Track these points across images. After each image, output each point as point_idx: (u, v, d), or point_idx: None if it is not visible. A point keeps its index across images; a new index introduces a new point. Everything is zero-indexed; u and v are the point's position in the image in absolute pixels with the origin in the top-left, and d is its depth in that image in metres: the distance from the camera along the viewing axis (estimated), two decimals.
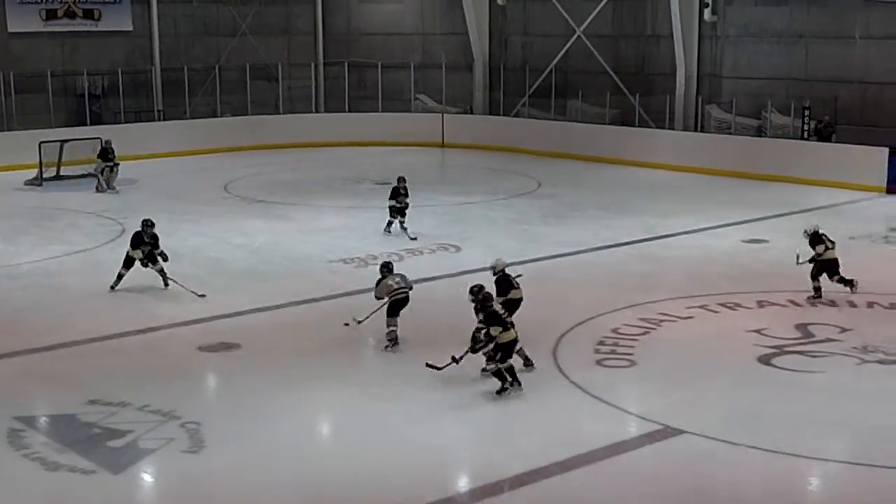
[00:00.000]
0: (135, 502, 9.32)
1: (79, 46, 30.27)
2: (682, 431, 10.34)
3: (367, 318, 13.19)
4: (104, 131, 26.82)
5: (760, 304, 14.66)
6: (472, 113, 32.67)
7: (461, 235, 19.17)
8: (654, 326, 13.66)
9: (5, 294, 15.44)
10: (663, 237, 19.10)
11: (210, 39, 32.60)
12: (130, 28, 31.07)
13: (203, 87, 31.80)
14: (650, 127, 28.31)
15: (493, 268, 13.07)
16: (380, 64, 32.67)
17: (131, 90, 30.77)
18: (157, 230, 15.68)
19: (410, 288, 13.11)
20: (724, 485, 9.41)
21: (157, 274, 15.49)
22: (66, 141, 25.44)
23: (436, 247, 18.29)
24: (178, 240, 18.81)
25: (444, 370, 11.54)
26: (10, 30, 29.13)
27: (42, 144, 24.98)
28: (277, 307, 14.54)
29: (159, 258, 15.39)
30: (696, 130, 27.71)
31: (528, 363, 11.99)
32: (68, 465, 9.57)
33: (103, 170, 24.16)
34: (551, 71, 30.66)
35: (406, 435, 10.40)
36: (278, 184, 25.34)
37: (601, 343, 12.94)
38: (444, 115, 32.05)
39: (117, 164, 24.43)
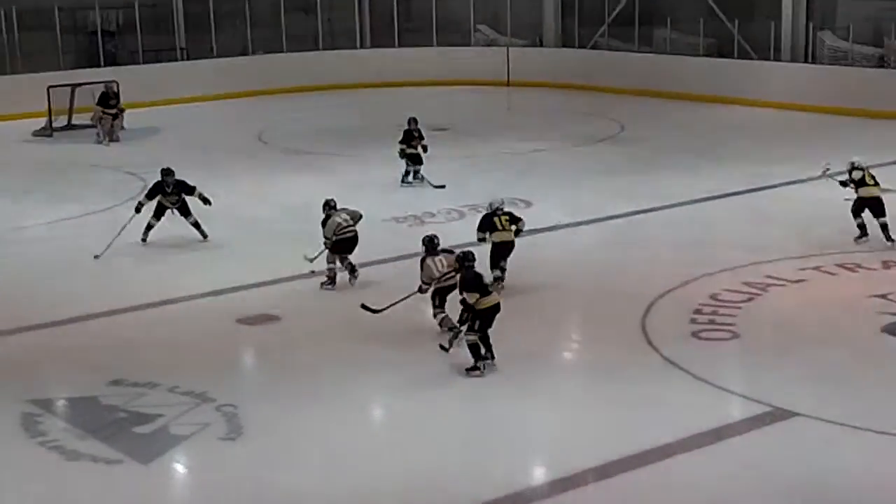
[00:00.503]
0: (167, 496, 9.49)
1: None
2: (793, 413, 10.28)
3: (317, 256, 13.90)
4: (120, 73, 27.12)
5: (886, 264, 14.47)
6: (541, 45, 32.48)
7: (531, 189, 19.10)
8: (759, 292, 13.54)
9: (13, 260, 15.73)
10: (769, 188, 18.90)
11: None
12: None
13: (231, 22, 31.91)
14: (752, 58, 27.96)
15: (490, 205, 13.76)
16: None
17: (150, 26, 30.99)
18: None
19: (355, 221, 14.02)
20: (842, 474, 9.34)
21: (190, 227, 16.02)
22: (78, 85, 25.76)
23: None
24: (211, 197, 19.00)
25: (381, 313, 12.21)
26: None
27: (51, 89, 25.31)
28: (321, 273, 14.62)
29: (198, 201, 16.01)
30: (806, 62, 27.34)
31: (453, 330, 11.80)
32: (91, 455, 9.76)
33: (101, 118, 24.39)
34: None
35: (470, 422, 10.45)
36: (319, 131, 25.45)
37: (697, 312, 12.87)
38: (509, 48, 31.89)
39: (121, 112, 24.65)
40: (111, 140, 24.25)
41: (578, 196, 18.69)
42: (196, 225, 16.17)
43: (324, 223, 14.04)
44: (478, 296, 11.28)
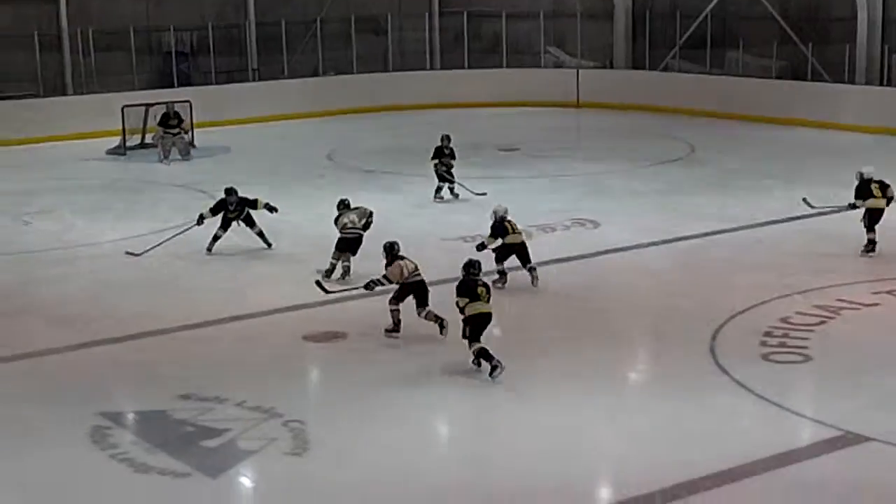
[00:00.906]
0: None
1: None
2: (867, 438, 10.10)
3: (336, 291, 13.90)
4: (193, 93, 27.49)
5: None
6: (612, 67, 32.42)
7: (600, 209, 19.07)
8: (831, 315, 13.36)
9: (87, 276, 15.96)
10: (841, 210, 18.62)
11: None
12: None
13: (303, 43, 32.26)
14: (826, 81, 27.69)
15: (494, 213, 14.94)
16: (504, 13, 32.64)
17: (223, 47, 31.43)
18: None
19: (365, 228, 15.32)
20: None
21: (255, 237, 16.60)
22: (152, 105, 26.13)
23: (570, 222, 18.24)
24: (278, 216, 19.10)
25: (331, 294, 13.48)
26: None
27: (125, 109, 25.73)
28: (386, 291, 14.66)
29: (264, 210, 16.75)
30: (881, 84, 27.06)
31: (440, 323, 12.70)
32: (159, 468, 9.85)
33: (162, 137, 24.71)
34: (707, 17, 30.18)
35: (542, 435, 10.40)
36: (388, 151, 25.57)
37: (768, 334, 12.72)
38: (580, 70, 31.87)
39: (183, 133, 24.91)
40: (169, 159, 24.47)
41: (647, 217, 18.59)
42: (261, 234, 16.80)
43: (336, 220, 15.28)
44: (467, 300, 11.82)
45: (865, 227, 15.96)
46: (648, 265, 16.01)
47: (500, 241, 14.78)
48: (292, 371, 12.28)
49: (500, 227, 14.82)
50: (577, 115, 31.01)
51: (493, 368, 11.51)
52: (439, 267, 15.32)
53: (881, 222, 15.93)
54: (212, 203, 17.36)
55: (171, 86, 29.47)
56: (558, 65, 32.89)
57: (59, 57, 29.50)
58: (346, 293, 13.94)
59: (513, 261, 14.79)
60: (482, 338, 11.78)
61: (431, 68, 33.89)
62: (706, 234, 17.44)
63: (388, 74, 32.66)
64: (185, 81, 30.16)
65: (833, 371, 11.81)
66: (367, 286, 13.17)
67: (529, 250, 14.85)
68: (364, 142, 26.95)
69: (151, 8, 30.88)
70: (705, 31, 30.10)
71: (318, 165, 23.88)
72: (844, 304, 13.70)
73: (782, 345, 12.43)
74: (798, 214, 18.35)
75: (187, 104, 25.74)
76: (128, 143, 25.72)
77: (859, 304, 13.76)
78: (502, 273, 14.79)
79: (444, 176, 19.95)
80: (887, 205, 16.03)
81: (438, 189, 20.02)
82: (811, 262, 15.59)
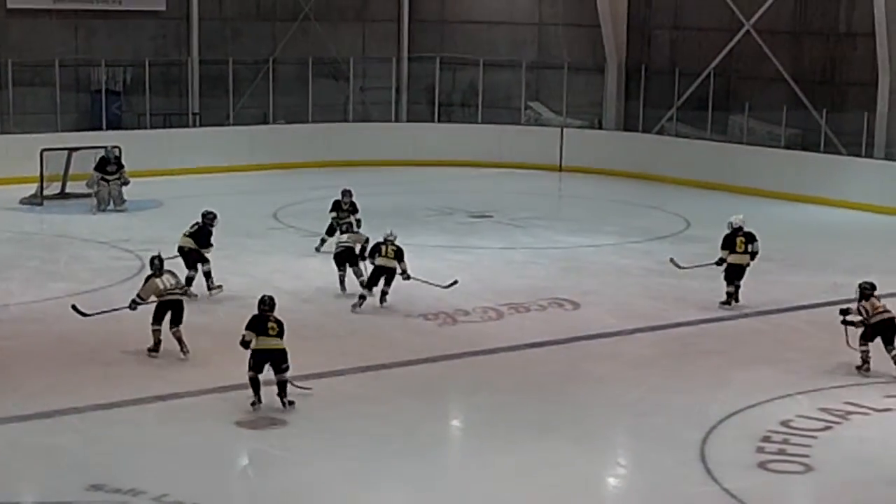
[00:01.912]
0: None
1: (96, 30, 31.16)
2: None
3: (98, 313, 15.68)
4: (124, 137, 27.53)
5: None
6: (600, 128, 32.71)
7: (581, 289, 19.15)
8: (838, 420, 13.43)
9: None
10: (853, 300, 18.77)
11: (263, 25, 33.29)
12: (162, 7, 31.88)
13: (252, 86, 32.42)
14: (840, 153, 28.03)
15: (385, 236, 17.83)
16: (482, 61, 32.97)
17: (160, 87, 31.53)
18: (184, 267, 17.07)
19: (184, 292, 15.90)
20: None
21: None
22: (76, 149, 26.16)
23: (547, 302, 18.29)
24: (217, 281, 19.13)
25: (90, 317, 15.21)
26: (9, 5, 29.98)
27: (45, 152, 25.73)
28: (337, 373, 14.68)
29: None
30: None
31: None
32: None
33: (98, 184, 24.72)
34: (709, 76, 30.57)
35: None
36: None
37: (766, 440, 12.76)
38: (564, 129, 32.14)
39: (122, 180, 24.90)
40: (108, 209, 24.50)
41: (634, 299, 18.68)
42: (208, 274, 18.20)
43: (146, 280, 15.73)
44: (254, 335, 13.48)
45: (725, 279, 18.05)
46: (633, 354, 16.06)
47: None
48: (223, 461, 12.20)
49: (377, 247, 17.72)
50: (560, 179, 31.18)
51: (253, 403, 13.26)
52: (400, 347, 15.42)
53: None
54: (140, 265, 17.31)
55: (100, 128, 29.52)
56: (540, 122, 33.15)
57: None
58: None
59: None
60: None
61: (397, 120, 34.13)
62: (699, 322, 17.52)
63: (348, 125, 32.86)
64: (116, 124, 30.20)
65: (837, 485, 11.83)
66: (130, 306, 15.39)
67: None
68: (317, 201, 26.95)
69: (81, 39, 30.97)
70: (707, 92, 30.45)
71: (263, 226, 23.90)
72: (853, 408, 13.76)
73: (781, 452, 12.46)
74: (804, 304, 18.51)
75: (116, 150, 25.73)
76: (45, 192, 25.66)
77: (869, 408, 13.83)
78: (363, 297, 17.56)
79: (331, 231, 21.15)
80: (751, 259, 18.10)
81: (322, 241, 21.36)
82: (816, 358, 15.67)
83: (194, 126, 31.46)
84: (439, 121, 33.27)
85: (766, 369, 15.23)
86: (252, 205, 26.17)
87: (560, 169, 31.74)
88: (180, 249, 18.41)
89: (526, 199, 27.97)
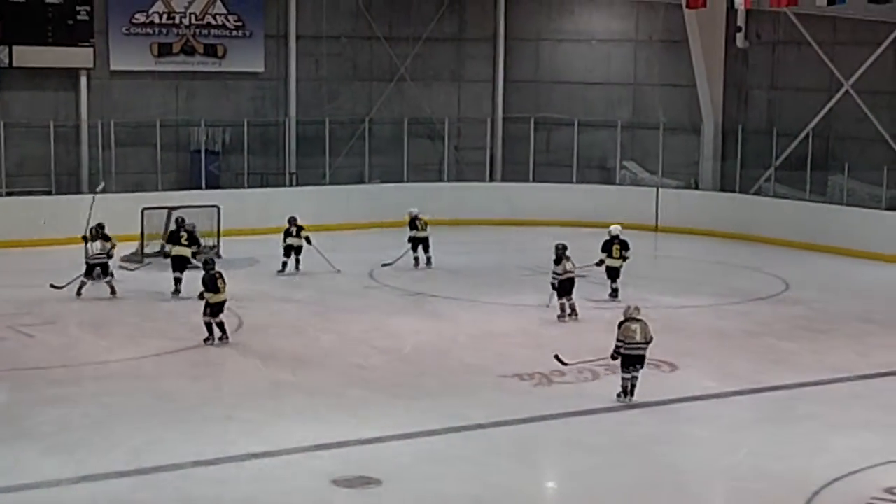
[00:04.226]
0: None
1: (196, 90, 31.72)
2: None
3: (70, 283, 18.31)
4: (223, 197, 27.91)
5: None
6: (697, 188, 32.55)
7: (678, 350, 18.96)
8: None
9: (88, 400, 16.04)
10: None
11: (359, 85, 33.64)
12: (261, 69, 32.37)
13: (348, 146, 32.75)
14: None
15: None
16: (577, 121, 33.02)
17: (259, 146, 31.98)
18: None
19: (109, 256, 22.26)
20: None
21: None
22: (176, 208, 26.50)
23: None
24: (308, 339, 19.27)
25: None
26: (112, 67, 30.66)
27: (145, 211, 26.13)
28: (430, 433, 14.65)
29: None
30: None
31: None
32: None
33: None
34: (808, 136, 30.32)
35: None
36: (438, 272, 25.69)
37: None
38: (660, 189, 32.02)
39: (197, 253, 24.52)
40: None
41: (731, 362, 18.47)
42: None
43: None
44: (211, 293, 18.65)
45: (608, 277, 22.73)
46: (731, 417, 15.87)
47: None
48: None
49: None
50: (656, 239, 31.02)
51: (208, 340, 18.44)
52: (494, 407, 15.38)
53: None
54: (238, 322, 17.41)
55: (199, 187, 29.98)
56: (636, 182, 33.07)
57: (75, 150, 30.14)
58: None
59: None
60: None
61: (492, 180, 34.22)
62: (798, 386, 17.28)
63: (443, 185, 33.03)
64: (214, 183, 30.64)
65: None
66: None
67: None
68: (412, 260, 27.08)
69: (181, 100, 31.54)
70: (805, 152, 30.17)
71: (359, 284, 24.04)
72: None
73: None
74: None
75: (214, 209, 26.09)
76: (146, 251, 26.03)
77: None
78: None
79: (288, 251, 24.92)
80: (623, 261, 22.87)
81: (284, 265, 24.89)
82: None
83: (291, 185, 31.81)
84: (534, 181, 33.29)
85: (868, 434, 14.95)
86: (346, 263, 26.32)
87: (656, 229, 31.59)
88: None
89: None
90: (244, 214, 28.50)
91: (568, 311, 21.06)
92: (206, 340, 18.72)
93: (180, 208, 26.43)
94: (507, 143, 34.77)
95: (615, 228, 23.29)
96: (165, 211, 26.46)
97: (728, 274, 26.31)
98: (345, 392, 16.37)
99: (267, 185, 31.41)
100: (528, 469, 13.72)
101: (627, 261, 23.00)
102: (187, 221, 24.89)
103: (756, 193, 31.27)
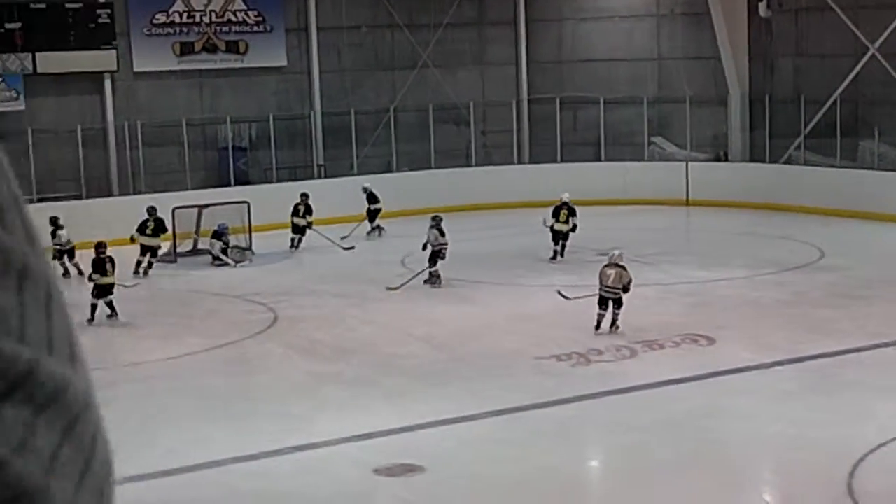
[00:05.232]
0: None
1: (220, 87, 31.76)
2: None
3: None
4: (252, 192, 27.97)
5: None
6: (726, 160, 32.41)
7: (715, 323, 18.89)
8: None
9: (129, 401, 16.07)
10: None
11: (383, 75, 33.59)
12: (284, 63, 32.39)
13: (374, 135, 32.74)
14: None
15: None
16: (602, 99, 32.89)
17: (285, 140, 32.01)
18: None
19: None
20: None
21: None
22: (206, 206, 26.59)
23: (680, 338, 18.05)
24: (345, 329, 19.27)
25: None
26: (136, 69, 30.73)
27: (176, 211, 26.21)
28: (471, 418, 14.60)
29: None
30: None
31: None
32: None
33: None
34: (836, 102, 30.10)
35: None
36: (471, 257, 25.59)
37: None
38: (689, 163, 31.86)
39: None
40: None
41: (769, 332, 18.34)
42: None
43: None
44: (99, 275, 19.90)
45: (552, 240, 24.55)
46: (772, 388, 15.76)
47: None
48: None
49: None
50: (687, 213, 30.91)
51: (90, 321, 19.68)
52: (533, 389, 15.33)
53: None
54: (273, 317, 17.41)
55: (228, 184, 30.05)
56: (665, 157, 32.94)
57: (103, 153, 30.23)
58: None
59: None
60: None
61: (520, 162, 34.15)
62: (839, 353, 17.12)
63: (471, 169, 33.00)
64: (243, 179, 30.70)
65: None
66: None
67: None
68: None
69: (206, 98, 31.58)
70: (834, 119, 29.97)
71: (391, 273, 24.02)
72: None
73: None
74: None
75: (245, 205, 26.14)
76: (178, 249, 26.12)
77: None
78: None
79: (295, 229, 26.47)
80: (571, 230, 24.62)
81: (292, 240, 26.43)
82: None
83: (320, 177, 31.81)
84: (562, 161, 33.19)
85: None
86: (379, 252, 26.35)
87: (687, 203, 31.47)
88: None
89: (653, 235, 27.72)
90: (275, 209, 28.49)
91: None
92: (88, 321, 19.73)
93: (210, 206, 26.55)
94: (534, 125, 34.69)
95: (565, 195, 25.17)
96: (196, 209, 26.54)
97: (761, 244, 26.15)
98: (383, 381, 16.35)
99: (296, 179, 31.39)
100: (571, 450, 13.68)
101: (576, 229, 24.69)
102: (221, 223, 25.32)
103: (786, 162, 31.10)
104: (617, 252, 18.51)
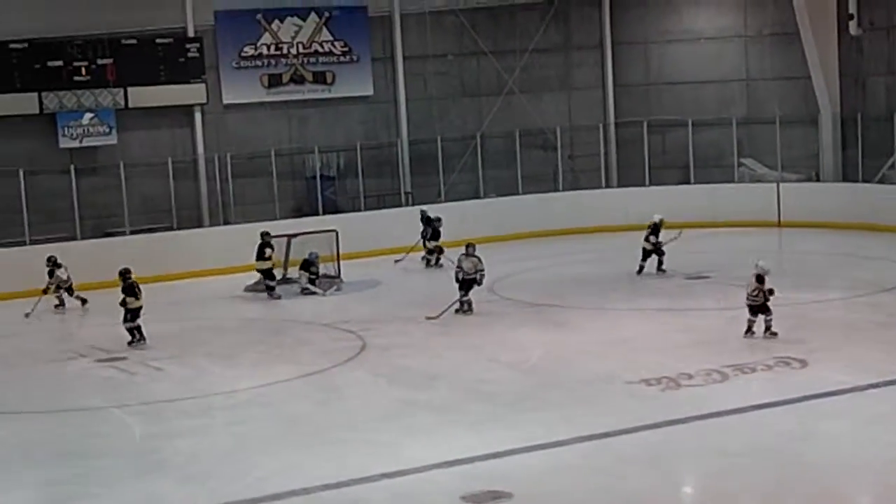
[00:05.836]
0: None
1: (308, 118, 32.07)
2: None
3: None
4: (340, 221, 28.13)
5: None
6: (818, 180, 32.06)
7: (809, 346, 18.62)
8: None
9: (220, 429, 16.24)
10: None
11: (469, 101, 33.74)
12: (370, 92, 32.63)
13: (461, 162, 32.80)
14: None
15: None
16: (690, 121, 32.67)
17: (373, 169, 32.19)
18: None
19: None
20: None
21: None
22: (295, 235, 26.80)
23: (773, 361, 17.83)
24: (432, 356, 19.26)
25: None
26: (225, 101, 31.20)
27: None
28: (559, 444, 14.50)
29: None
30: None
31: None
32: None
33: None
34: None
35: None
36: (559, 282, 25.58)
37: None
38: (780, 184, 31.53)
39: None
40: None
41: (864, 354, 18.04)
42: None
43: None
44: (132, 298, 21.05)
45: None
46: (867, 411, 15.45)
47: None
48: None
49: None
50: (779, 235, 30.58)
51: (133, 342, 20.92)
52: (623, 414, 15.21)
53: None
54: (361, 344, 17.46)
55: (316, 213, 30.26)
56: (755, 179, 32.64)
57: (194, 185, 30.63)
58: None
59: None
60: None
61: (608, 186, 34.00)
62: None
63: (559, 194, 32.92)
64: (332, 208, 30.90)
65: None
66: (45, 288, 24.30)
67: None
68: (532, 272, 27.00)
69: (294, 128, 31.90)
70: None
71: (481, 298, 23.98)
72: None
73: None
74: None
75: (333, 234, 26.31)
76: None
77: None
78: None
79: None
80: (653, 249, 25.28)
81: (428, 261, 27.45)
82: None
83: (407, 205, 31.92)
84: (650, 184, 33.00)
85: None
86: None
87: (779, 224, 31.14)
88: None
89: (744, 258, 27.28)
90: (363, 237, 28.65)
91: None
92: (129, 343, 21.03)
93: (299, 235, 26.75)
94: (621, 148, 34.60)
95: (656, 217, 25.91)
96: (286, 238, 26.75)
97: (855, 266, 25.79)
98: (471, 407, 16.31)
99: (384, 207, 31.59)
100: (661, 476, 13.49)
101: (661, 246, 25.52)
102: (311, 251, 25.68)
103: (880, 182, 30.67)
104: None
